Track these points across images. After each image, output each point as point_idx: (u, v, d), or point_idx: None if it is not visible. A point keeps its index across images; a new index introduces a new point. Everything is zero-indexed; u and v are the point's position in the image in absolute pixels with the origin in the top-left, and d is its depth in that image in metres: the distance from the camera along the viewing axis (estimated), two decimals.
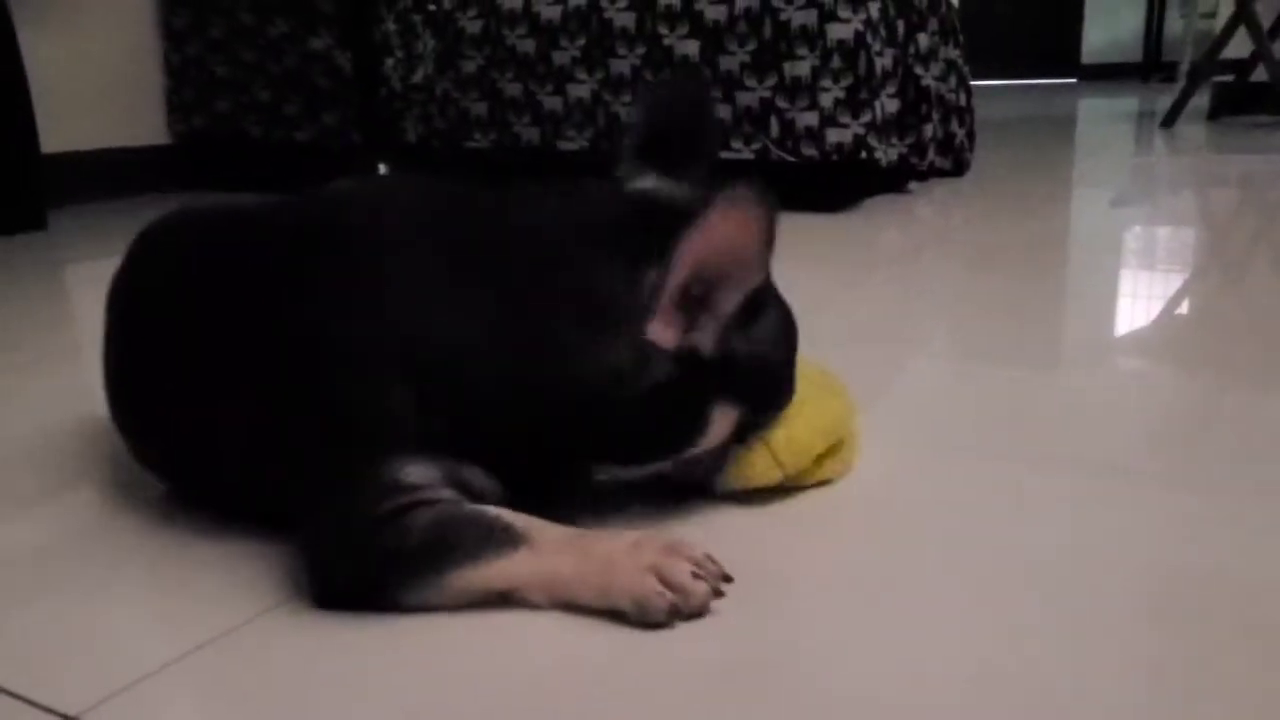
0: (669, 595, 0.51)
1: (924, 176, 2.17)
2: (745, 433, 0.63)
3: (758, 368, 0.60)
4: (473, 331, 0.56)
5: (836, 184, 1.90)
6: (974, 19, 2.33)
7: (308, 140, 2.42)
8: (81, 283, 1.66)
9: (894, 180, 2.08)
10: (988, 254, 1.50)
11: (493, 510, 0.56)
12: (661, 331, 0.56)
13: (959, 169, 2.28)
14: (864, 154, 1.81)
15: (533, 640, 0.51)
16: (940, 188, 2.18)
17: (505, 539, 0.54)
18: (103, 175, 2.49)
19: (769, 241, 0.54)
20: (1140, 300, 1.24)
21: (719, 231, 0.52)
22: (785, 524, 0.63)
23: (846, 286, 1.28)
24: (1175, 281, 1.31)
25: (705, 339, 0.57)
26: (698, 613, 0.52)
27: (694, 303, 0.56)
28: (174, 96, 2.62)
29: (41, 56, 2.25)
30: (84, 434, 0.85)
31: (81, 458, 0.81)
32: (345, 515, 0.55)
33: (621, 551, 0.53)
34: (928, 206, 2.00)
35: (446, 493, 0.56)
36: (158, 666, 0.50)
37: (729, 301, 0.56)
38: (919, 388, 0.88)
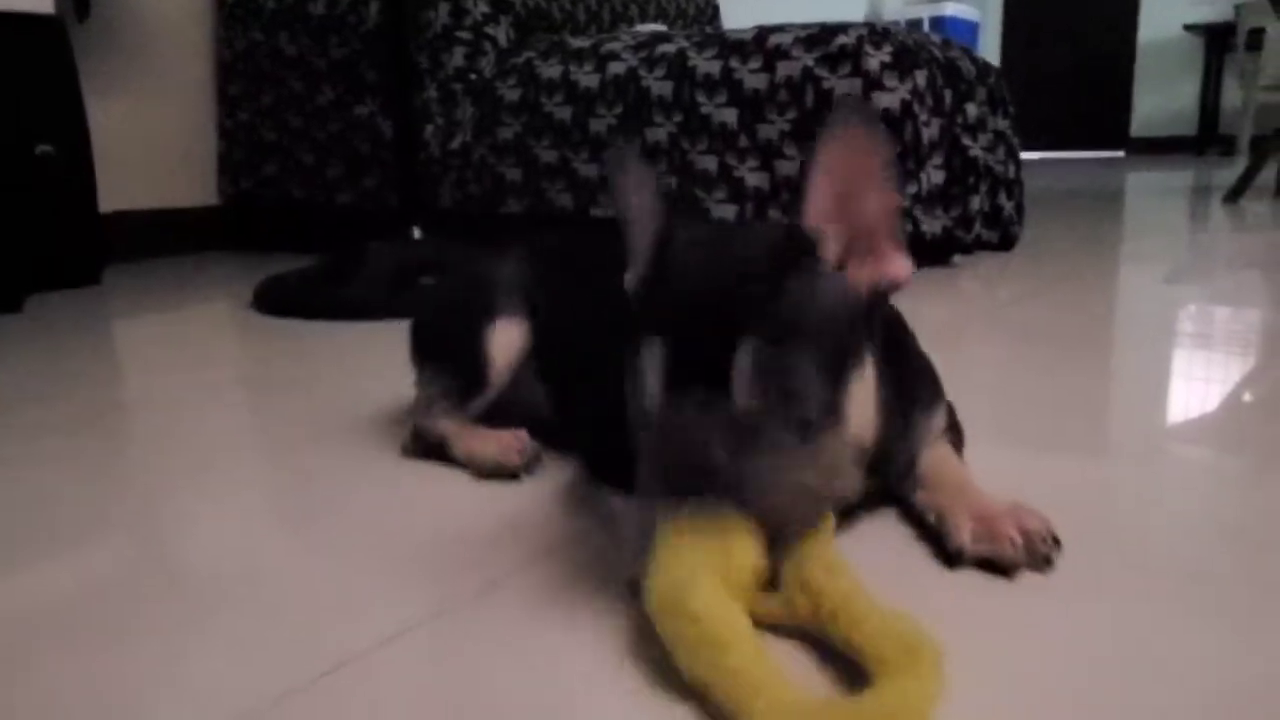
0: (1020, 540, 0.62)
1: (969, 250, 2.11)
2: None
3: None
4: None
5: None
6: (1017, 89, 2.29)
7: (348, 203, 2.44)
8: (129, 337, 1.67)
9: (938, 253, 2.02)
10: (1035, 333, 1.43)
11: None
12: (814, 213, 0.59)
13: (1006, 243, 2.21)
14: (908, 226, 1.76)
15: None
16: (986, 262, 2.11)
17: None
18: (155, 234, 2.54)
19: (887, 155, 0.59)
20: (1199, 384, 1.17)
21: (841, 143, 0.58)
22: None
23: None
24: (1239, 366, 1.23)
25: (861, 273, 0.62)
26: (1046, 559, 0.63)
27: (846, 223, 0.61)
28: (225, 160, 2.67)
29: (105, 120, 2.31)
30: (132, 488, 0.83)
31: (127, 512, 0.79)
32: None
33: (999, 506, 0.65)
34: (973, 281, 1.93)
35: None
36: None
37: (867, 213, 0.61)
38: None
